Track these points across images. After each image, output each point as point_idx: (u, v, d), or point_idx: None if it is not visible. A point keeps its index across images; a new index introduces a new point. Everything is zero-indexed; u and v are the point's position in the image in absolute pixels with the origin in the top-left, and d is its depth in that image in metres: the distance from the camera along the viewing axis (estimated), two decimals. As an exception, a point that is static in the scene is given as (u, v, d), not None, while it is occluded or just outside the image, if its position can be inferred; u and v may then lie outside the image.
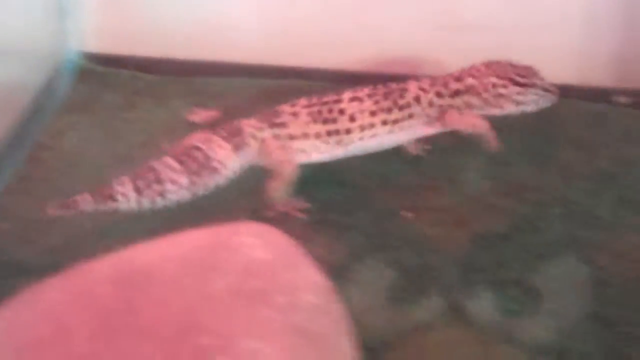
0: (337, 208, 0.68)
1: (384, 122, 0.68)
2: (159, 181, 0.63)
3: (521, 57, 0.70)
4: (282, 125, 0.68)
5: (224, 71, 0.83)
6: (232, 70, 0.83)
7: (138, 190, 0.62)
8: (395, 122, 0.69)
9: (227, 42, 0.84)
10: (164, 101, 0.79)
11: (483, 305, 0.60)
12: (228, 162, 0.66)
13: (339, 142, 0.68)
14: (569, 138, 0.74)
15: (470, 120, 0.69)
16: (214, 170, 0.66)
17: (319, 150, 0.69)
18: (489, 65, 0.69)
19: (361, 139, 0.69)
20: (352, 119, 0.68)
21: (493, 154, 0.69)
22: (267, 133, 0.68)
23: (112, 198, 0.62)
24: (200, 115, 0.77)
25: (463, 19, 0.81)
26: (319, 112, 0.68)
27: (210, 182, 0.66)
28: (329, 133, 0.68)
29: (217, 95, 0.80)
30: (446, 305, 0.60)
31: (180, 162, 0.64)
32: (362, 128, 0.68)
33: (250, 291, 0.49)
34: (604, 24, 0.80)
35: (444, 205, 0.68)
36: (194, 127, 0.74)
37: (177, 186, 0.64)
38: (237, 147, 0.67)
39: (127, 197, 0.62)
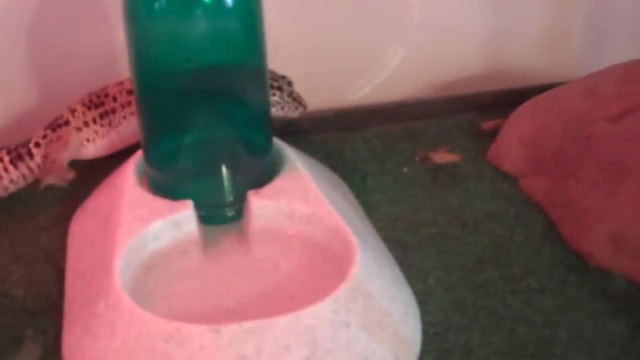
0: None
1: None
2: None
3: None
4: (65, 122, 0.71)
5: None
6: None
7: None
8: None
9: None
10: None
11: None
12: (1, 172, 0.70)
13: (110, 123, 0.71)
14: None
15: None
16: None
17: (99, 135, 0.72)
18: None
19: (124, 117, 0.72)
20: (114, 99, 0.72)
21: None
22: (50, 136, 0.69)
23: None
24: None
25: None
26: (90, 100, 0.72)
27: None
28: (101, 116, 0.71)
29: None
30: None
31: None
32: (123, 106, 0.72)
33: None
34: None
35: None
36: None
37: None
38: (17, 158, 0.70)
39: None
